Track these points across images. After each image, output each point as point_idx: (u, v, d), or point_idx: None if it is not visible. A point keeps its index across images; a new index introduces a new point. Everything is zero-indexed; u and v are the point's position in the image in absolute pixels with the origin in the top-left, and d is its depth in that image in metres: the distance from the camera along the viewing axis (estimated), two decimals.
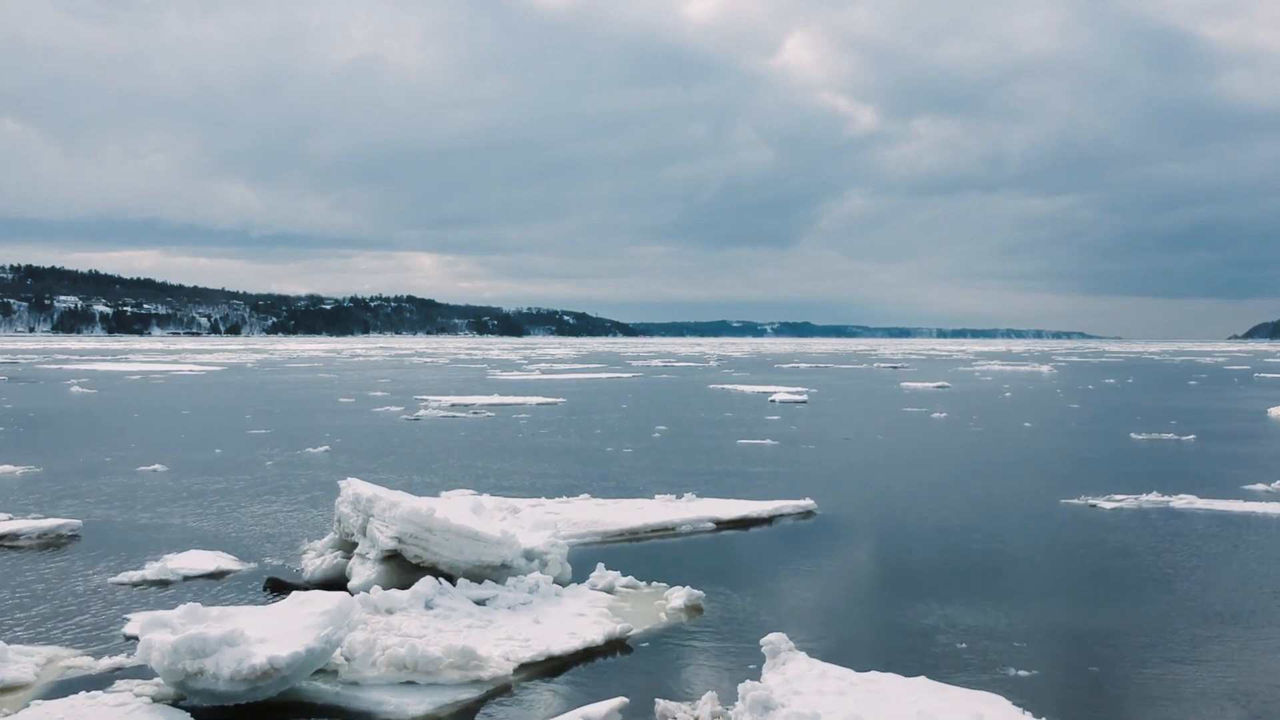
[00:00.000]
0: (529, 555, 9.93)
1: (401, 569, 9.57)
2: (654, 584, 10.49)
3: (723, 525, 14.16)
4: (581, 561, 11.62)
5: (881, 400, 43.44)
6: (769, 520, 14.67)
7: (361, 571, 9.70)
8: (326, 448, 23.11)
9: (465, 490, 16.63)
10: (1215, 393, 50.88)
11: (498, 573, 9.61)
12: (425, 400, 39.07)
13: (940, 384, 55.50)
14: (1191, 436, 26.52)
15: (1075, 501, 16.33)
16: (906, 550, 12.96)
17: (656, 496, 15.72)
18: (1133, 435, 27.05)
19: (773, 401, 40.63)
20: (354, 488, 10.35)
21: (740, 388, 50.67)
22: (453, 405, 36.73)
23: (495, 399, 39.77)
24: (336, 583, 10.11)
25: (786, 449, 23.77)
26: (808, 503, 15.47)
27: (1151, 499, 16.26)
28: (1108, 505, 15.89)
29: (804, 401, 40.70)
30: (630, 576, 10.46)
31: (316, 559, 10.58)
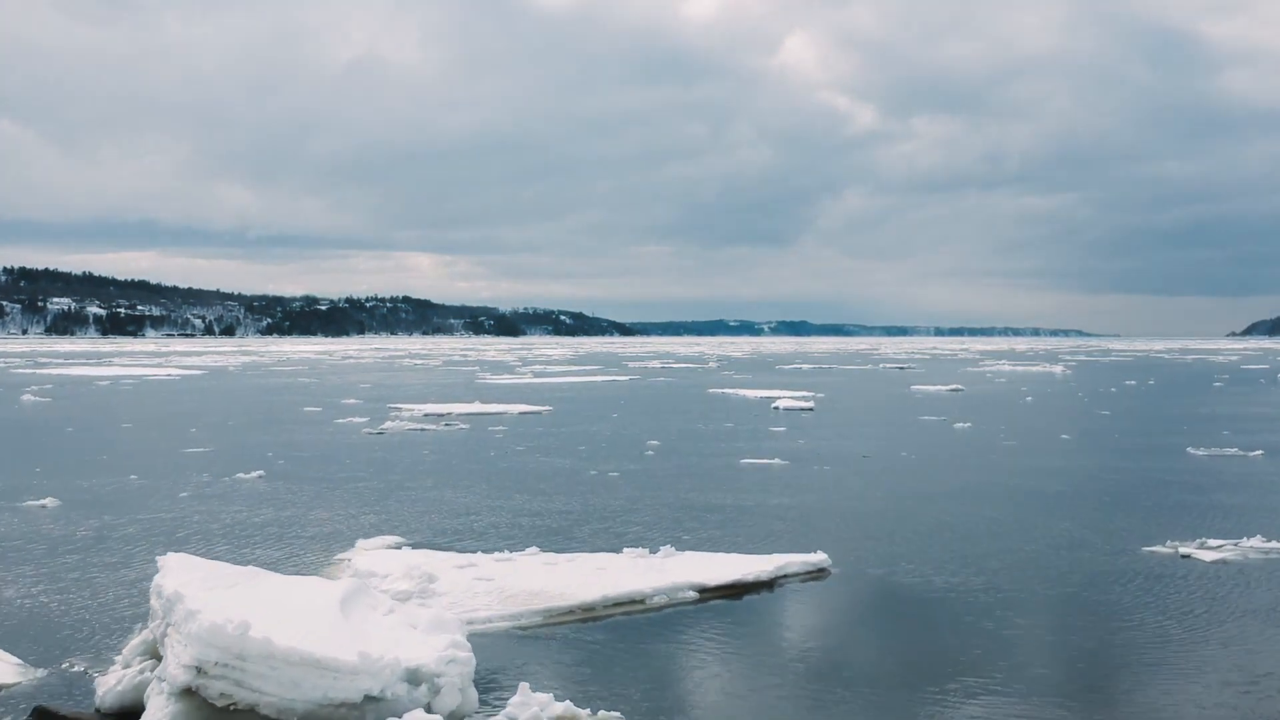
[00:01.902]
0: (413, 678, 6.60)
1: (213, 705, 6.30)
2: (600, 715, 7.13)
3: (708, 594, 10.75)
4: (506, 661, 8.38)
5: (894, 407, 40.13)
6: (769, 585, 11.29)
7: (156, 709, 6.42)
8: (261, 473, 19.82)
9: (388, 536, 13.39)
10: (1249, 396, 47.55)
11: (359, 711, 6.33)
12: (398, 409, 35.78)
13: (954, 387, 52.18)
14: (1259, 452, 23.13)
15: (1161, 549, 12.99)
16: (960, 639, 9.60)
17: (625, 550, 12.21)
18: (1190, 450, 23.70)
19: (776, 409, 37.37)
20: (166, 572, 7.07)
21: (741, 392, 47.38)
22: (425, 416, 33.44)
23: (475, 407, 36.49)
24: (133, 712, 6.84)
25: (794, 471, 20.46)
26: (820, 557, 12.06)
27: (1256, 545, 12.89)
28: (1206, 556, 12.54)
29: (810, 409, 37.40)
30: (567, 702, 7.06)
31: (120, 673, 7.28)
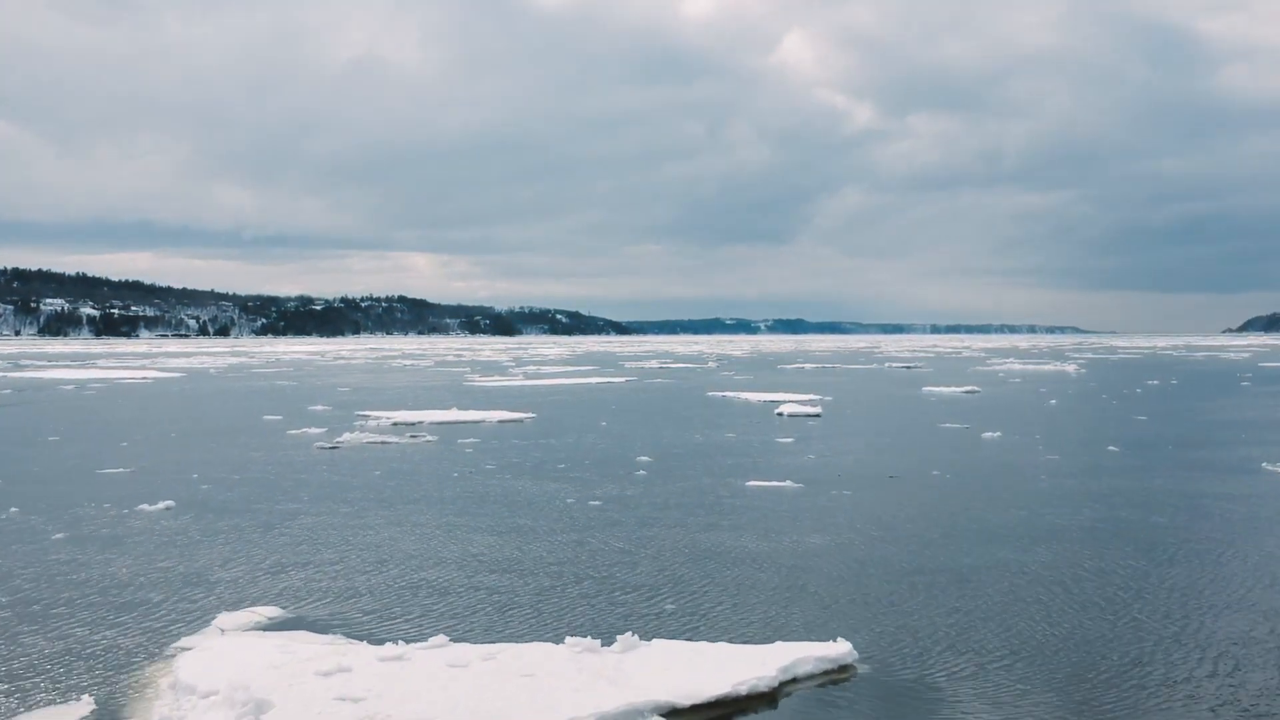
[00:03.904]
0: None
1: None
2: None
3: (680, 719, 7.38)
4: None
5: (909, 412, 36.84)
6: (770, 697, 7.86)
7: None
8: (170, 503, 16.52)
9: (261, 609, 10.07)
10: None
11: None
12: (365, 418, 32.51)
13: (968, 389, 48.91)
14: None
15: None
16: None
17: (569, 641, 8.63)
18: (1267, 467, 20.41)
19: (780, 415, 34.09)
20: None
21: (743, 395, 44.10)
22: (393, 425, 30.17)
23: (451, 415, 33.21)
24: None
25: (807, 499, 17.16)
26: (841, 649, 8.59)
27: None
28: None
29: (817, 415, 34.16)
30: None
31: None
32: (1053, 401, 41.61)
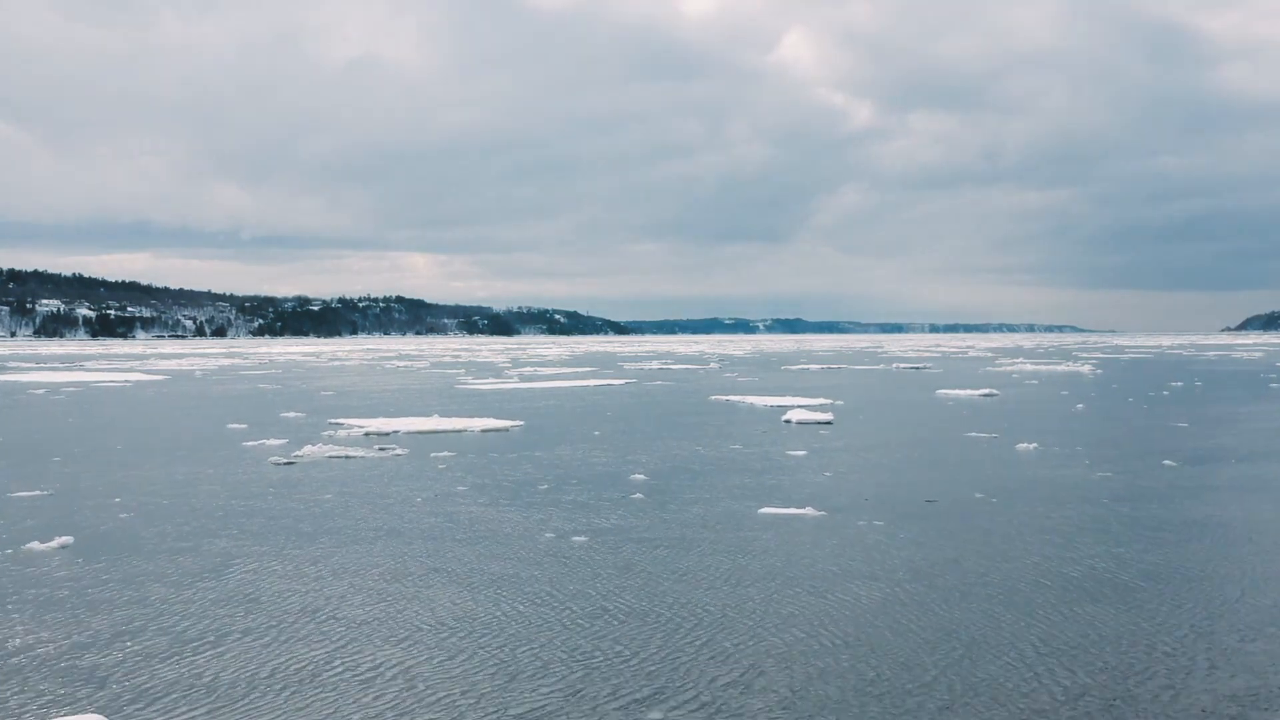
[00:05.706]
0: None
1: None
2: None
3: None
4: None
5: (928, 419, 34.07)
6: None
7: None
8: (68, 540, 13.76)
9: (86, 719, 7.26)
10: None
11: None
12: (336, 426, 29.77)
13: (985, 392, 46.11)
14: None
15: None
16: None
17: None
18: None
19: (788, 423, 31.36)
20: None
21: (748, 400, 41.35)
22: (365, 435, 27.44)
23: (431, 423, 30.44)
24: None
25: (830, 533, 14.38)
26: None
27: None
28: None
29: (829, 421, 31.46)
30: None
31: None
32: (1079, 406, 38.86)
